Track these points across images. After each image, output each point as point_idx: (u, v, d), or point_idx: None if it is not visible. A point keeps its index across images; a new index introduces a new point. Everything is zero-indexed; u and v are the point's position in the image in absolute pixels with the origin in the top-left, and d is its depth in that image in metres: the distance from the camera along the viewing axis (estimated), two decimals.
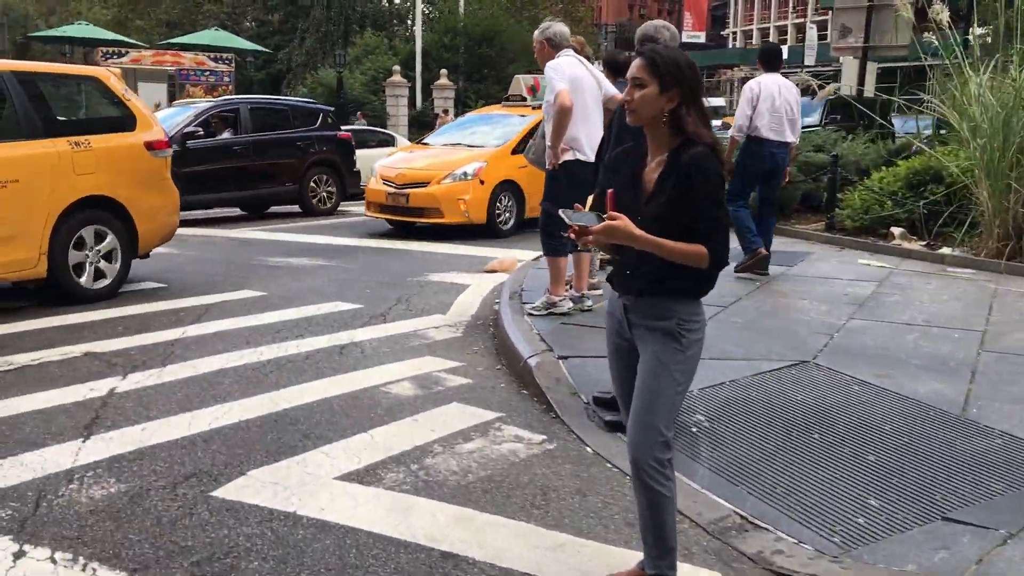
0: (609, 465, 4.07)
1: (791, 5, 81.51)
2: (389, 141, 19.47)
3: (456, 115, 31.34)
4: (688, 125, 2.69)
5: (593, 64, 7.86)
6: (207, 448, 4.24)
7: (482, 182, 11.55)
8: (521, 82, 13.52)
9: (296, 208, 14.99)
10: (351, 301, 7.68)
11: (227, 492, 3.75)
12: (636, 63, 2.71)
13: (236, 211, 14.81)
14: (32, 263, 7.14)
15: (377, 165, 12.62)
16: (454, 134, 13.45)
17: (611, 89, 6.45)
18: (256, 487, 3.80)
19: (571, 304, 6.30)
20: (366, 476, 3.92)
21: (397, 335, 6.52)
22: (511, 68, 41.48)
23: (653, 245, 2.59)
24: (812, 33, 60.09)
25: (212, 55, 23.03)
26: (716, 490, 3.67)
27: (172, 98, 21.97)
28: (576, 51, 6.44)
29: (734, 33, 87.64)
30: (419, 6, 36.97)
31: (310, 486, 3.80)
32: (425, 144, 13.71)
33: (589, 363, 5.12)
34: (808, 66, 55.73)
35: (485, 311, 7.34)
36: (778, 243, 9.76)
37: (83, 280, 7.51)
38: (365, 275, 8.99)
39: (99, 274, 7.66)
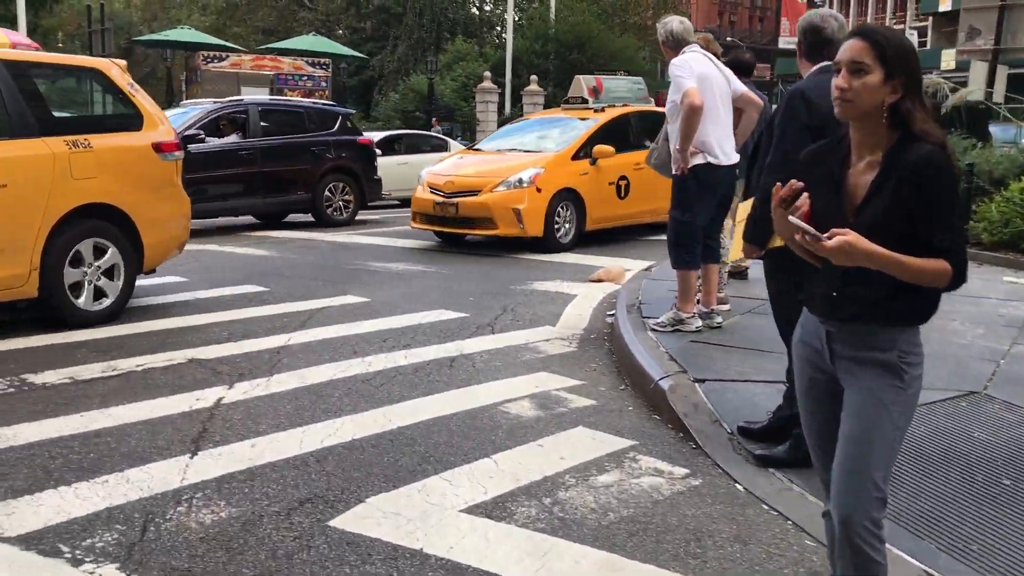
0: (766, 507, 3.61)
1: (889, 11, 79.03)
2: (443, 146, 18.58)
3: None
4: (916, 121, 2.23)
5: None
6: (321, 469, 3.93)
7: (539, 190, 10.46)
8: (582, 83, 12.48)
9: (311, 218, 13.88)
10: (456, 309, 7.35)
11: (345, 522, 3.41)
12: (855, 45, 2.26)
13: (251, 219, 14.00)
14: (21, 280, 6.21)
15: (424, 172, 11.67)
16: (509, 139, 12.33)
17: (741, 87, 5.97)
18: (376, 517, 3.45)
19: (700, 321, 5.83)
20: (495, 510, 3.54)
21: (508, 348, 6.15)
22: (601, 75, 41.07)
23: (894, 263, 2.14)
24: (913, 38, 58.28)
25: (309, 60, 23.17)
26: (899, 543, 3.17)
27: None
28: (702, 48, 5.98)
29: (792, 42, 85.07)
30: (510, 12, 36.78)
31: (435, 519, 3.44)
32: (477, 150, 12.59)
33: (729, 388, 4.66)
34: None
35: (598, 324, 6.92)
36: None
37: (81, 301, 6.57)
38: (467, 282, 8.67)
39: (99, 293, 6.72)
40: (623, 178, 11.31)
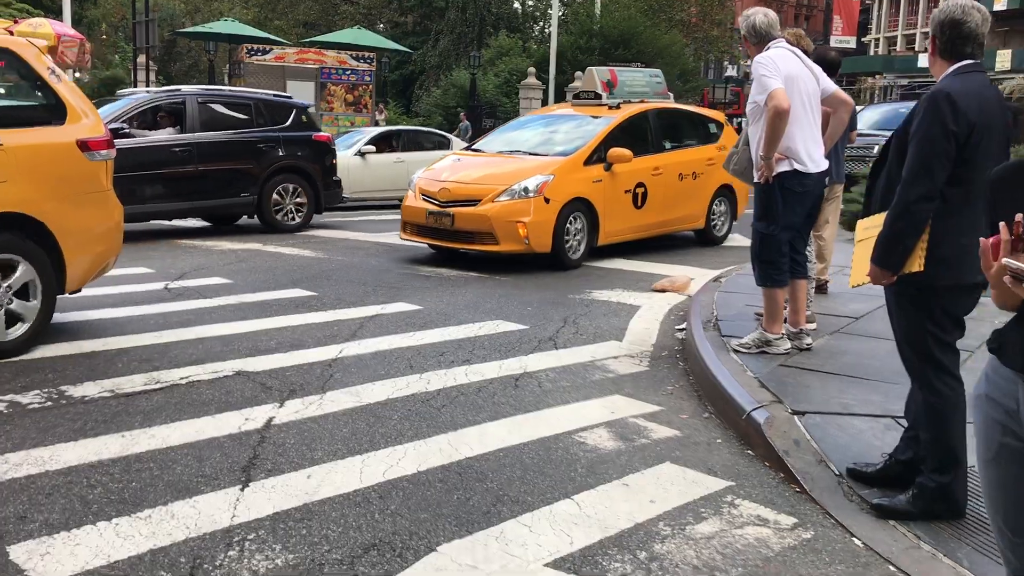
0: (892, 568, 3.16)
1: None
2: (445, 144, 16.84)
3: None
4: None
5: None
6: (384, 508, 3.53)
7: (547, 200, 9.06)
8: (595, 76, 10.92)
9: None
10: (514, 320, 6.94)
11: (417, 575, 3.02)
12: None
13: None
14: None
15: (416, 176, 10.19)
16: (513, 139, 10.78)
17: (831, 85, 5.47)
18: (452, 570, 3.05)
19: (789, 343, 5.36)
20: (584, 565, 3.13)
21: (573, 365, 5.73)
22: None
23: None
24: None
25: (353, 54, 22.87)
26: None
27: (316, 98, 21.92)
28: (790, 44, 5.49)
29: (876, 40, 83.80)
30: (555, 7, 36.30)
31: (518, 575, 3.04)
32: (477, 150, 10.91)
33: (832, 422, 4.20)
34: None
35: (667, 340, 6.48)
36: None
37: None
38: (522, 290, 8.26)
39: (12, 318, 5.57)
40: (640, 185, 10.12)
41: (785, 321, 5.56)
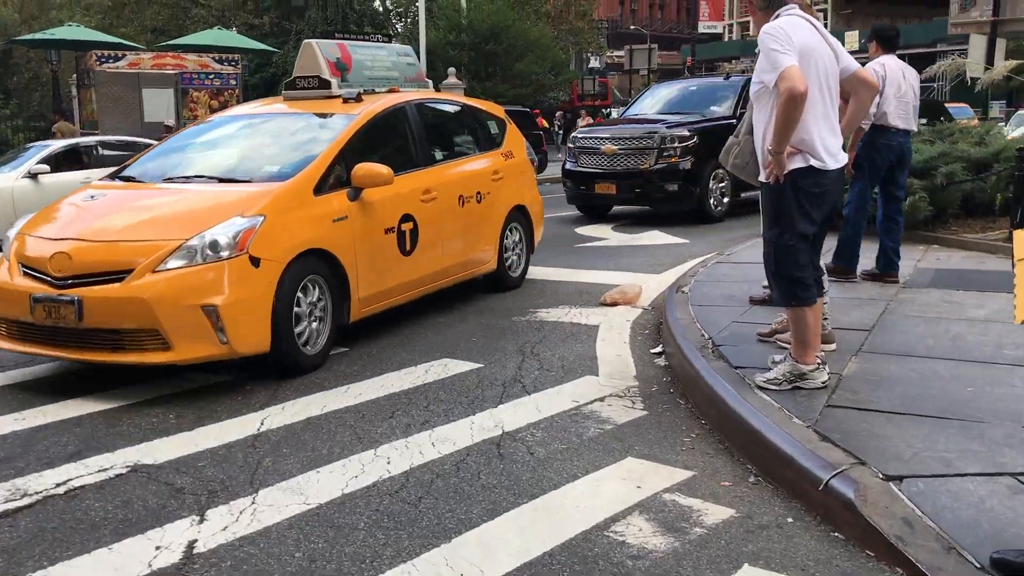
0: None
1: None
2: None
3: None
4: None
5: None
6: None
7: (255, 261, 5.29)
8: (318, 52, 7.22)
9: None
10: (463, 356, 5.85)
11: None
12: None
13: None
14: None
15: (12, 233, 5.94)
16: (187, 159, 6.72)
17: (853, 63, 4.56)
18: None
19: (826, 374, 4.43)
20: None
21: (558, 417, 4.68)
22: (518, 65, 39.80)
23: None
24: (822, 20, 58.75)
25: (216, 56, 21.07)
26: None
27: (178, 106, 20.04)
28: (801, 10, 4.56)
29: (730, 25, 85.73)
30: (422, 3, 35.11)
31: None
32: (128, 179, 6.53)
33: (940, 488, 3.27)
34: None
35: (648, 368, 5.51)
36: (959, 258, 7.96)
37: None
38: (460, 316, 7.15)
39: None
40: (407, 219, 6.52)
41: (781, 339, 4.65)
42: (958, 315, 5.80)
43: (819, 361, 4.38)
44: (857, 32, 58.22)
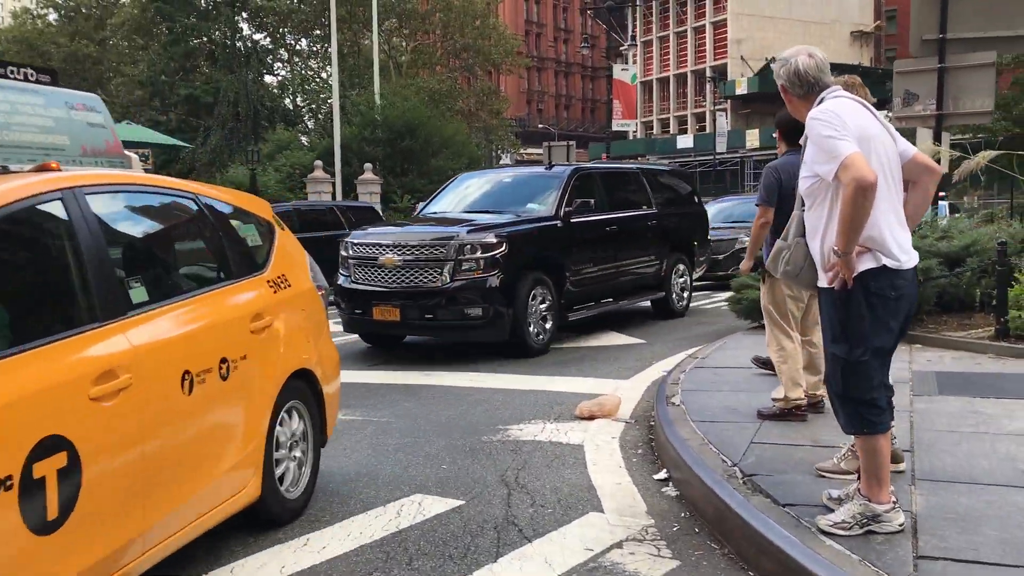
0: None
1: (690, 95, 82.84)
2: None
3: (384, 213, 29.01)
4: None
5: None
6: None
7: None
8: None
9: None
10: (437, 491, 4.95)
11: None
12: None
13: None
14: None
15: None
16: None
17: (910, 147, 3.99)
18: None
19: (903, 515, 3.69)
20: None
21: (574, 572, 3.82)
22: (434, 161, 39.60)
23: None
24: (722, 120, 60.78)
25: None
26: None
27: None
28: (844, 90, 3.99)
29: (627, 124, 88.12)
30: (336, 99, 34.71)
31: None
32: None
33: None
34: (719, 152, 56.09)
35: (658, 500, 4.71)
36: (950, 360, 7.47)
37: None
38: (416, 433, 6.25)
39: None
40: (52, 448, 2.88)
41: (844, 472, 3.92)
42: (995, 429, 5.19)
43: (894, 500, 3.65)
44: (758, 131, 60.79)
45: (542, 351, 9.47)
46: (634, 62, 68.67)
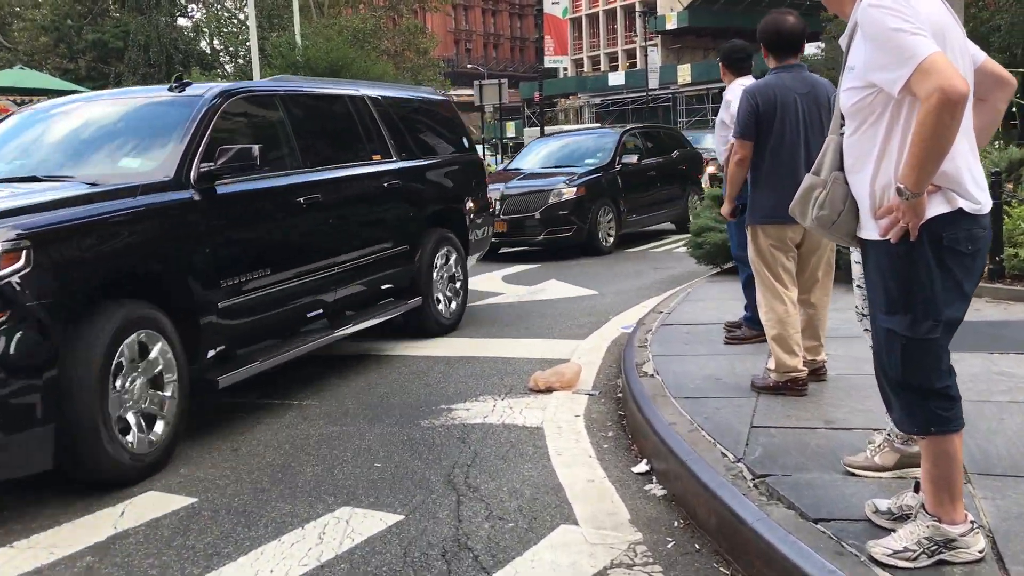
0: None
1: (620, 31, 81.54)
2: None
3: None
4: None
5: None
6: None
7: None
8: None
9: None
10: (367, 499, 4.01)
11: None
12: None
13: None
14: None
15: None
16: None
17: (977, 51, 3.03)
18: None
19: (983, 540, 2.83)
20: None
21: None
22: None
23: None
24: (654, 55, 59.78)
25: (18, 99, 18.21)
26: None
27: None
28: None
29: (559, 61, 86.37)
30: (254, 40, 32.76)
31: None
32: None
33: None
34: (652, 89, 55.24)
35: (646, 505, 3.83)
36: None
37: None
38: (343, 418, 5.27)
39: None
40: None
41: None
42: None
43: (971, 519, 2.79)
44: (689, 66, 59.99)
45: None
46: None
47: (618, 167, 13.26)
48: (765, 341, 5.73)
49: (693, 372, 5.15)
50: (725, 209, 5.18)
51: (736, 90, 5.56)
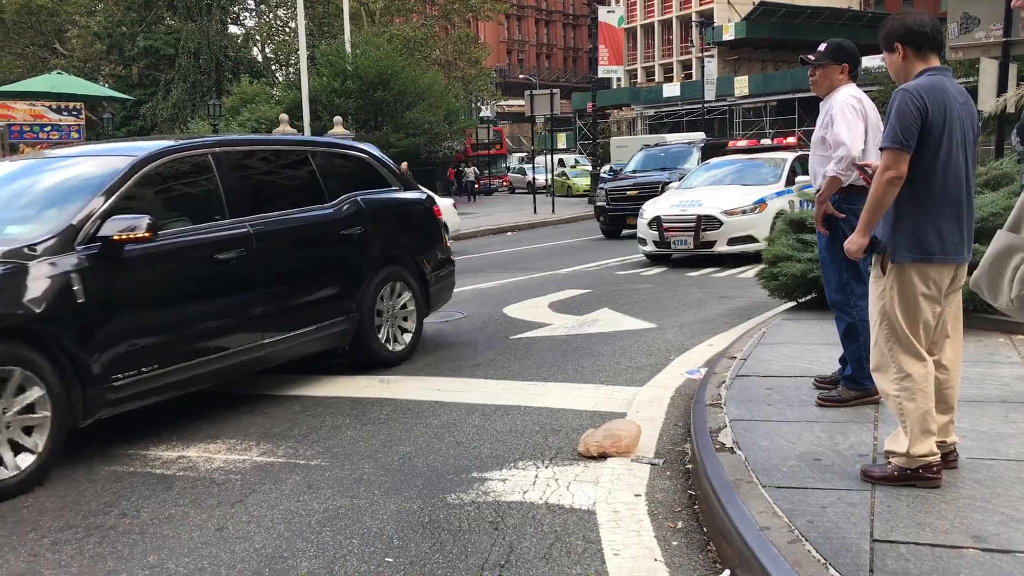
0: None
1: (675, 42, 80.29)
2: None
3: None
4: None
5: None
6: None
7: None
8: None
9: None
10: None
11: None
12: None
13: None
14: None
15: None
16: None
17: None
18: None
19: None
20: None
21: None
22: (409, 114, 37.35)
23: None
24: (711, 67, 58.47)
25: (54, 105, 17.82)
26: None
27: None
28: None
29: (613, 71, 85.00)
30: (303, 46, 32.34)
31: None
32: None
33: None
34: (708, 100, 53.98)
35: None
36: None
37: None
38: (355, 488, 4.38)
39: None
40: None
41: None
42: None
43: None
44: (747, 77, 58.51)
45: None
46: (618, 2, 66.12)
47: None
48: (865, 404, 4.77)
49: (784, 447, 4.16)
50: (855, 243, 3.97)
51: (846, 100, 4.60)
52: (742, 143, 19.12)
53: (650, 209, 13.29)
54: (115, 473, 4.81)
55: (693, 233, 12.48)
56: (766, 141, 17.26)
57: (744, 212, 12.43)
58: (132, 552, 3.76)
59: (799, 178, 12.34)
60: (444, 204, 17.99)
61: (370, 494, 4.34)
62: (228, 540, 3.85)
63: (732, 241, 12.37)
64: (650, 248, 13.13)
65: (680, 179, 15.68)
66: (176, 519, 4.11)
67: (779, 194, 12.93)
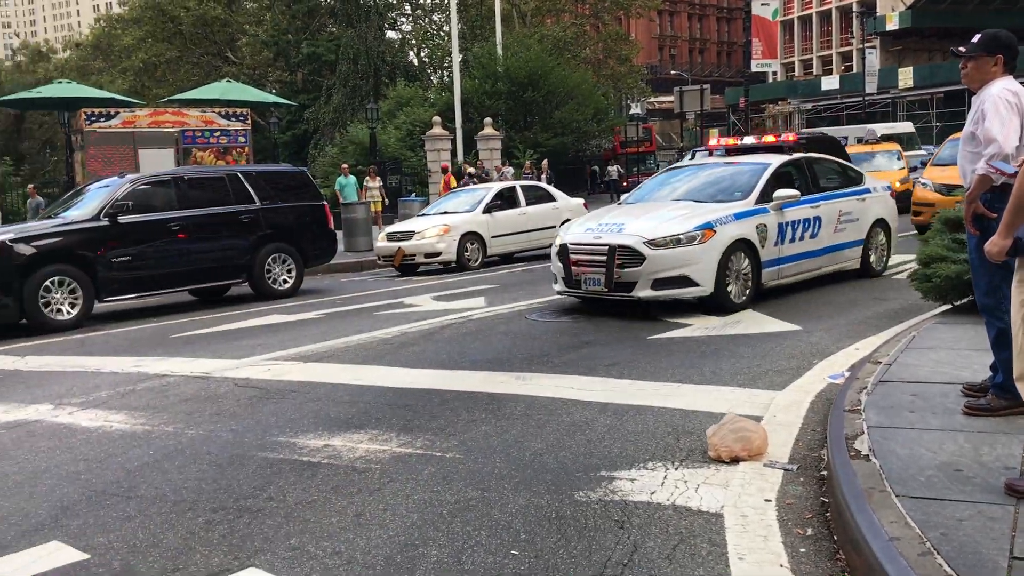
0: None
1: (834, 34, 77.39)
2: None
3: (504, 167, 27.33)
4: None
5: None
6: None
7: None
8: None
9: None
10: None
11: None
12: None
13: None
14: None
15: None
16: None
17: None
18: None
19: None
20: None
21: None
22: (558, 113, 37.59)
23: None
24: (872, 58, 55.94)
25: (222, 111, 18.97)
26: None
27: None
28: None
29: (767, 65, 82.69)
30: (455, 50, 33.08)
31: None
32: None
33: None
34: (869, 93, 51.63)
35: None
36: None
37: None
38: (487, 481, 4.51)
39: None
40: None
41: None
42: None
43: None
44: (911, 69, 55.67)
45: None
46: None
47: None
48: (1017, 415, 4.53)
49: (923, 456, 4.01)
50: (996, 244, 3.79)
51: (999, 93, 4.39)
52: (714, 141, 14.33)
53: (561, 234, 9.92)
54: (267, 460, 5.13)
55: (605, 270, 8.99)
56: (749, 139, 11.97)
57: (677, 243, 8.79)
58: (276, 534, 4.02)
59: (779, 192, 9.62)
60: (572, 204, 17.64)
61: (500, 488, 4.46)
62: (365, 526, 4.05)
63: (658, 284, 8.83)
64: (559, 287, 9.75)
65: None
66: (318, 504, 4.35)
67: (740, 216, 9.25)
